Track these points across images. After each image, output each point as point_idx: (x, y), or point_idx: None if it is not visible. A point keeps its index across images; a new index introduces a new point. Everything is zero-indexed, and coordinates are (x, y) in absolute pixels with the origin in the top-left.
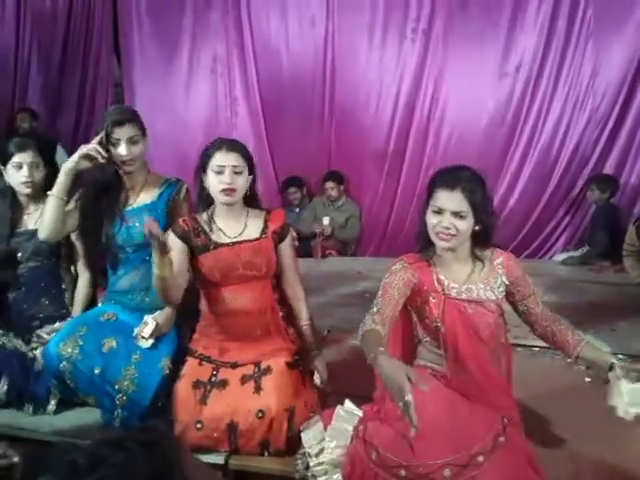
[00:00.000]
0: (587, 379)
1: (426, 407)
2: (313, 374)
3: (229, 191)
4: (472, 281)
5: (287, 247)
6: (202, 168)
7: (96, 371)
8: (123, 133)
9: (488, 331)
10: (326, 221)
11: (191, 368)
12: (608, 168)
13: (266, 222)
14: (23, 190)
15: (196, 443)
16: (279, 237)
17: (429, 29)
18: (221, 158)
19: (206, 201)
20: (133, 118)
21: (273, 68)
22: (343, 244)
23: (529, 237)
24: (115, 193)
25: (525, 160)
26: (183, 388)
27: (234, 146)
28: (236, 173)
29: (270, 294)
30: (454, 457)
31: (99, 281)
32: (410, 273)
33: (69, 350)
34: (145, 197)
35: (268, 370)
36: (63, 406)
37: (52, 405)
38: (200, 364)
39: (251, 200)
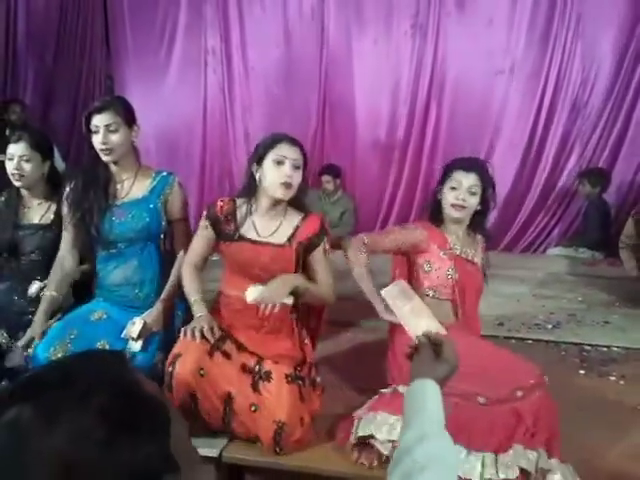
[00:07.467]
0: (581, 371)
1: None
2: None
3: (288, 185)
4: (467, 245)
5: (318, 257)
6: (258, 159)
7: None
8: (100, 120)
9: (478, 288)
10: None
11: None
12: (602, 162)
13: (296, 229)
14: (14, 182)
15: (192, 393)
16: (306, 247)
17: (427, 23)
18: (284, 150)
19: (251, 192)
20: (112, 105)
21: (267, 60)
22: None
23: (522, 232)
24: (104, 186)
25: (528, 153)
26: (190, 333)
27: (296, 141)
28: (295, 167)
29: None
30: (490, 391)
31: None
32: (420, 233)
33: (59, 356)
34: (136, 191)
35: (268, 377)
36: None
37: None
38: None
39: (295, 199)
